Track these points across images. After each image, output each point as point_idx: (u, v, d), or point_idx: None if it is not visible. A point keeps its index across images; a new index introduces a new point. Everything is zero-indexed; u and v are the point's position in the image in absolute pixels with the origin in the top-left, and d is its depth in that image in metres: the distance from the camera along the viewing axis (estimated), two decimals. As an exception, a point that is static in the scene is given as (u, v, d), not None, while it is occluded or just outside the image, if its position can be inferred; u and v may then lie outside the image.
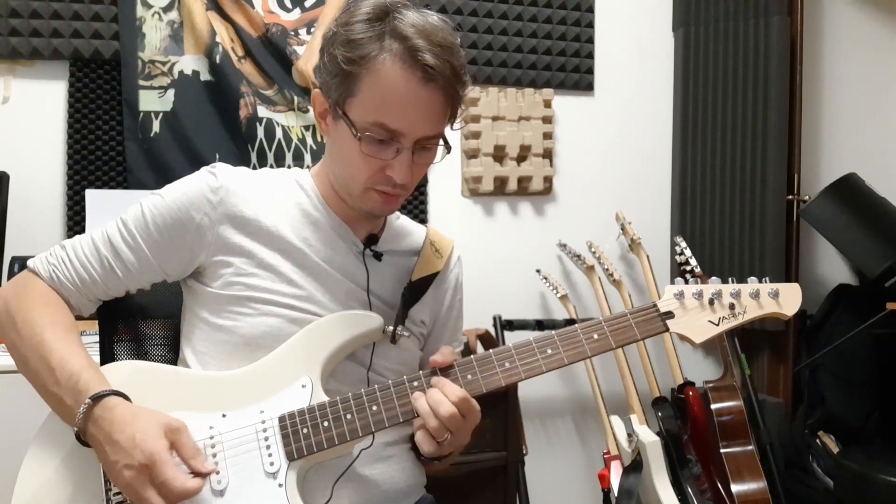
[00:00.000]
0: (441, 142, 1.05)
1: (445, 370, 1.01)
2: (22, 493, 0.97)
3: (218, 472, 0.96)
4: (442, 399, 0.97)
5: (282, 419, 0.99)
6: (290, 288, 1.06)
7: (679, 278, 1.11)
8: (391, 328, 1.09)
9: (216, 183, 1.07)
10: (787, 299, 1.08)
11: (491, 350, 1.03)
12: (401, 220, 1.23)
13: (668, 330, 1.05)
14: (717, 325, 1.07)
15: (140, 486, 0.88)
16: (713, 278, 1.10)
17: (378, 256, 1.13)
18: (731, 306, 1.07)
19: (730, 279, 1.10)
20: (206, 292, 1.07)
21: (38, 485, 0.98)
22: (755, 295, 1.07)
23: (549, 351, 1.03)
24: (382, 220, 1.18)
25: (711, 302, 1.07)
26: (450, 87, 1.00)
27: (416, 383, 1.01)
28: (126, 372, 1.03)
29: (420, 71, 0.97)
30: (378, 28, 0.98)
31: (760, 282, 1.09)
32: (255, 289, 1.04)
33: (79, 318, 1.09)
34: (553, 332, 1.04)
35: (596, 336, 1.04)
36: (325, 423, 0.98)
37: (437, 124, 1.03)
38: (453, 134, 1.08)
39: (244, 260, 1.05)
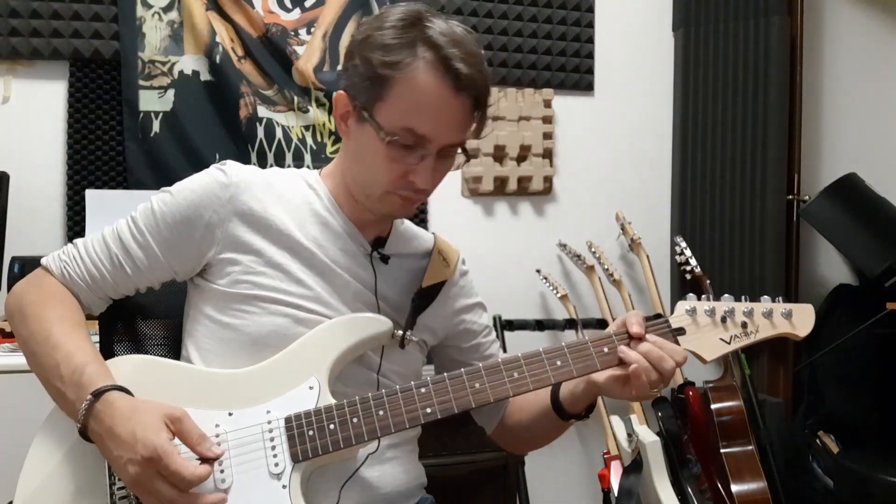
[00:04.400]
0: (460, 150, 1.07)
1: (454, 376, 1.01)
2: (26, 487, 0.97)
3: (221, 464, 0.95)
4: (665, 357, 0.99)
5: (288, 420, 0.98)
6: (298, 288, 1.05)
7: (691, 294, 1.09)
8: (401, 333, 1.09)
9: (226, 179, 1.07)
10: (801, 320, 1.06)
11: (500, 359, 1.03)
12: (405, 224, 1.23)
13: (679, 347, 1.03)
14: (729, 343, 1.05)
15: (147, 480, 0.88)
16: (725, 295, 1.08)
17: (385, 259, 1.13)
18: (744, 325, 1.05)
19: (743, 297, 1.08)
20: (213, 289, 1.07)
21: (43, 478, 0.97)
22: (768, 314, 1.06)
23: (559, 363, 1.02)
24: (390, 223, 1.18)
25: (724, 320, 1.05)
26: (480, 97, 1.02)
27: (423, 390, 1.00)
28: (132, 365, 1.02)
29: (453, 80, 0.99)
30: (410, 35, 0.99)
31: (774, 301, 1.07)
32: (263, 287, 1.04)
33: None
34: (564, 343, 1.03)
35: (606, 350, 1.03)
36: (332, 426, 0.98)
37: (462, 132, 1.05)
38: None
39: (252, 258, 1.05)
